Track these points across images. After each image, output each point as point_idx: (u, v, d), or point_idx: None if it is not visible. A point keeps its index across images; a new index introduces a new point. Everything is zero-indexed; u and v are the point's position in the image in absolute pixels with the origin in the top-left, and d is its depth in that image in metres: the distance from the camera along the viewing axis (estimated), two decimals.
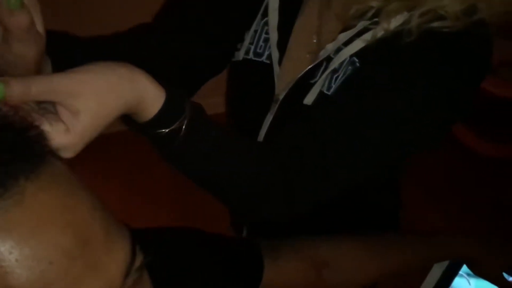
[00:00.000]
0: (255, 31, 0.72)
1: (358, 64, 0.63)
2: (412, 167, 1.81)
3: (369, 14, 0.61)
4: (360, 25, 0.63)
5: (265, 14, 0.71)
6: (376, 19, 0.61)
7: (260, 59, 0.72)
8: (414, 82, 0.59)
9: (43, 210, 0.30)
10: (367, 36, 0.62)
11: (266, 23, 0.71)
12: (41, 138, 0.34)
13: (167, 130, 0.49)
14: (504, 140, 2.24)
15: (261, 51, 0.72)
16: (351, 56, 0.64)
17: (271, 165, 0.59)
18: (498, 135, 2.25)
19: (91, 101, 0.41)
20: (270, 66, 0.71)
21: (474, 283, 0.79)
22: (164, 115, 0.48)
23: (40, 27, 0.44)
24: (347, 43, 0.64)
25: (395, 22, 0.59)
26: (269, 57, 0.71)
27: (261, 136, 0.73)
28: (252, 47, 0.73)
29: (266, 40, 0.72)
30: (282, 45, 0.71)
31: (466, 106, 0.62)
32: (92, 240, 0.32)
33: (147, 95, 0.47)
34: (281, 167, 0.59)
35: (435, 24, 0.56)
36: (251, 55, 0.73)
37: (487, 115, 2.39)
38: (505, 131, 2.27)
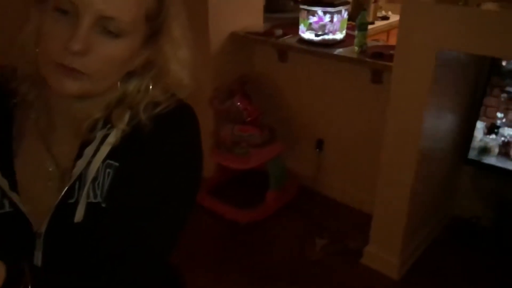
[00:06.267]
0: None
1: (116, 164, 0.69)
2: (188, 250, 1.90)
3: (100, 123, 0.70)
4: (100, 134, 0.69)
5: None
6: (109, 125, 0.69)
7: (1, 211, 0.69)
8: (162, 162, 0.69)
9: None
10: (111, 139, 0.69)
11: None
12: None
13: None
14: (253, 205, 2.57)
15: None
16: (104, 160, 0.68)
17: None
18: (247, 202, 2.58)
19: None
20: (14, 211, 0.69)
21: None
22: (8, 285, 0.50)
23: None
24: (94, 153, 0.68)
25: (126, 121, 0.69)
26: (3, 205, 0.69)
27: None
28: None
29: None
30: (16, 188, 0.69)
31: (201, 159, 0.74)
32: None
33: None
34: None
35: (158, 110, 0.70)
36: None
37: (234, 186, 2.73)
38: (251, 197, 2.62)
